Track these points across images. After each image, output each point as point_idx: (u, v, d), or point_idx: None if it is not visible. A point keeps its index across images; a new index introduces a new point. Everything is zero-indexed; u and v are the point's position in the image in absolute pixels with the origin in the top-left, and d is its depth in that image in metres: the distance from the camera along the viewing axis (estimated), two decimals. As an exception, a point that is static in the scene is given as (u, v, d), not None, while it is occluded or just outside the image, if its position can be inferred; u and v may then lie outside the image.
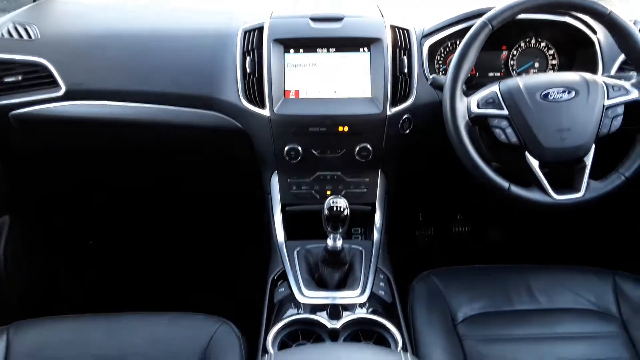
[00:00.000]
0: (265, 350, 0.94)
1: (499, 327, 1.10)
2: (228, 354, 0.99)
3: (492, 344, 1.07)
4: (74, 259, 1.72)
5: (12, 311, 1.36)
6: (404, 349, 0.94)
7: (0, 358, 1.00)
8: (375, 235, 1.23)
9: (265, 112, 1.17)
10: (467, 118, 1.04)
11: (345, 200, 1.01)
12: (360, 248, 1.19)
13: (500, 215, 1.82)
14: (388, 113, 1.16)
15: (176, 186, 1.60)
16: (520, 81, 1.06)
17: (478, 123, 1.07)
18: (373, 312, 1.01)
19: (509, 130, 1.03)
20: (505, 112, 1.03)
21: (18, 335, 1.04)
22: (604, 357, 1.05)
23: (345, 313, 1.00)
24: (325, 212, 1.01)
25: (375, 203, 1.26)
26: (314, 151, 1.20)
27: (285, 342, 0.96)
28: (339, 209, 1.00)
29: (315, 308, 1.02)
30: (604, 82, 1.07)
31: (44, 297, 1.57)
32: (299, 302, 1.04)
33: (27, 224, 1.46)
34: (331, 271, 1.10)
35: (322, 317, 0.99)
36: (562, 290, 1.16)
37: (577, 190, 1.03)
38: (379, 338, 0.97)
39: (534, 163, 1.03)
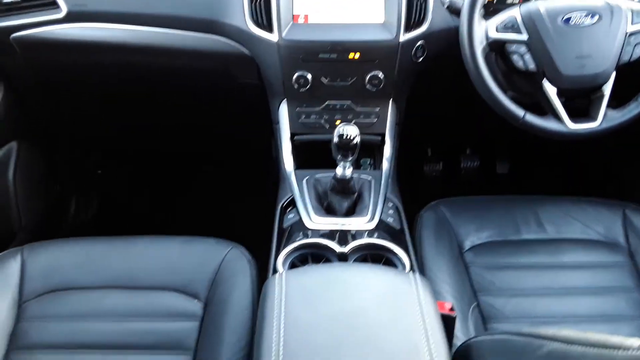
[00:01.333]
0: (275, 271, 0.95)
1: (505, 256, 1.12)
2: (239, 276, 1.02)
3: (497, 271, 1.09)
4: (83, 187, 1.73)
5: (24, 235, 1.38)
6: (412, 271, 0.96)
7: (15, 278, 1.03)
8: (385, 164, 1.22)
9: (273, 37, 1.13)
10: (484, 43, 1.01)
11: (356, 128, 1.00)
12: (370, 178, 1.18)
13: (510, 149, 1.80)
14: (401, 39, 1.12)
15: (184, 115, 1.58)
16: (541, 5, 1.01)
17: (495, 48, 1.03)
18: (381, 238, 1.02)
19: (527, 57, 1.00)
20: (524, 37, 1.00)
21: (32, 257, 1.06)
22: (608, 285, 1.07)
23: (353, 237, 1.01)
24: (335, 139, 1.00)
25: (385, 133, 1.24)
26: (323, 79, 1.17)
27: (295, 264, 0.97)
28: (349, 136, 0.99)
29: (324, 234, 1.03)
30: (628, 7, 1.02)
31: (55, 223, 1.59)
32: (308, 228, 1.05)
33: (34, 151, 1.46)
34: (340, 199, 1.10)
35: (331, 242, 1.00)
36: (570, 221, 1.16)
37: (594, 119, 1.01)
38: (386, 262, 0.98)
39: (551, 91, 1.00)
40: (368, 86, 1.17)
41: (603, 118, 1.01)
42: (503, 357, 0.57)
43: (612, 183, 1.63)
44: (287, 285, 0.74)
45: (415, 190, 1.32)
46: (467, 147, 1.81)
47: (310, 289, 0.73)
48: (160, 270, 1.04)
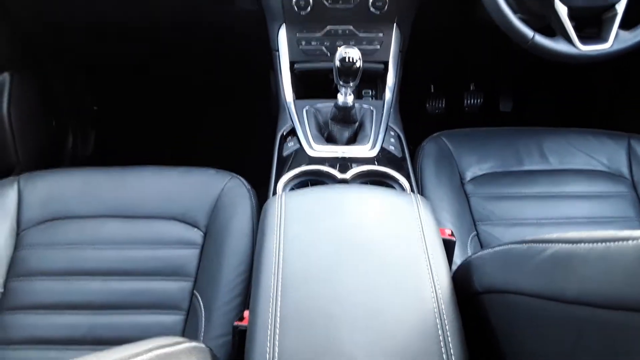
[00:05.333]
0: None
1: (506, 186, 1.10)
2: (239, 204, 1.01)
3: (498, 201, 1.08)
4: (79, 123, 1.70)
5: (21, 170, 1.37)
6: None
7: (12, 207, 1.02)
8: (387, 93, 1.18)
9: None
10: None
11: (358, 51, 0.96)
12: (371, 107, 1.15)
13: (514, 86, 1.76)
14: None
15: (180, 48, 1.53)
16: None
17: (506, -35, 0.98)
18: (383, 166, 1.00)
19: None
20: None
21: (29, 186, 1.05)
22: (610, 215, 1.06)
23: (354, 165, 0.99)
24: (337, 63, 0.96)
25: (388, 61, 1.20)
26: (324, 1, 1.12)
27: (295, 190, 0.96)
28: (351, 59, 0.95)
29: (324, 161, 1.02)
30: None
31: (52, 159, 1.57)
32: (309, 156, 1.03)
33: (28, 83, 1.42)
34: (341, 129, 1.07)
35: (331, 169, 0.98)
36: (574, 151, 1.14)
37: (605, 40, 0.97)
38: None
39: (562, 10, 0.96)
40: (372, 9, 1.12)
41: (615, 39, 0.97)
42: (504, 265, 0.56)
43: (617, 118, 1.60)
44: (287, 203, 0.73)
45: (418, 127, 1.30)
46: (470, 84, 1.77)
47: (310, 206, 0.72)
48: (159, 200, 1.03)
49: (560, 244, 0.46)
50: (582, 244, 0.43)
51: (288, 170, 0.99)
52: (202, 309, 0.89)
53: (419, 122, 1.76)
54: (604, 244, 0.40)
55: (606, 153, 1.14)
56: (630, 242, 0.38)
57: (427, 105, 1.79)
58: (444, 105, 1.78)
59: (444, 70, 1.72)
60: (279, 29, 1.18)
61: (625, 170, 1.12)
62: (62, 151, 1.63)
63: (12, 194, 1.03)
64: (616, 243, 0.39)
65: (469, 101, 1.77)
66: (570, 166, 1.13)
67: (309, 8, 1.11)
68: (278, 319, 0.58)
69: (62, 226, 1.01)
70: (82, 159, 1.69)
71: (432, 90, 1.79)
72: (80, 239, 0.99)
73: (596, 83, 1.61)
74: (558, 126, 1.22)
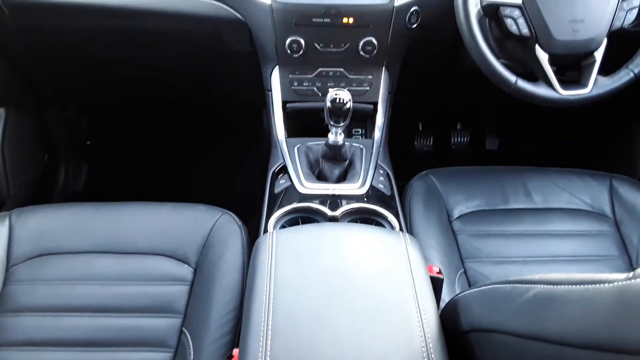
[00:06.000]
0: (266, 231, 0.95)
1: (493, 224, 1.13)
2: (230, 241, 1.02)
3: (485, 239, 1.10)
4: (71, 157, 1.71)
5: (12, 204, 1.37)
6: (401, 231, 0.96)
7: (3, 242, 1.02)
8: (377, 133, 1.22)
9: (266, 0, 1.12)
10: (478, 6, 1.00)
11: (348, 93, 0.99)
12: (361, 146, 1.19)
13: (500, 125, 1.81)
14: (396, 4, 1.12)
15: (174, 85, 1.56)
16: None
17: (489, 13, 1.03)
18: (372, 203, 1.02)
19: (521, 21, 0.99)
20: (518, 1, 0.99)
21: (20, 221, 1.05)
22: (593, 253, 1.08)
23: (344, 202, 1.01)
24: (328, 104, 0.99)
25: (377, 102, 1.24)
26: (316, 45, 1.16)
27: (286, 227, 0.97)
28: (341, 101, 0.98)
29: (315, 199, 1.03)
30: None
31: (43, 194, 1.58)
32: (300, 193, 1.05)
33: (23, 119, 1.44)
34: (331, 167, 1.10)
35: (322, 207, 1.00)
36: (558, 190, 1.17)
37: (584, 85, 1.02)
38: (376, 226, 0.99)
39: (543, 57, 1.00)
40: (361, 52, 1.16)
41: (594, 84, 1.02)
42: (489, 305, 0.57)
43: (599, 158, 1.65)
44: (278, 241, 0.74)
45: (406, 165, 1.33)
46: (457, 122, 1.81)
47: (300, 245, 0.74)
48: (149, 236, 1.04)
49: (541, 285, 0.48)
50: (562, 286, 0.45)
51: (279, 207, 1.01)
52: (191, 346, 0.88)
53: (407, 160, 1.79)
54: (582, 286, 0.42)
55: (589, 193, 1.17)
56: (606, 285, 0.40)
57: (416, 143, 1.83)
58: (431, 143, 1.83)
59: (432, 109, 1.77)
60: (272, 70, 1.22)
61: (607, 209, 1.15)
62: (54, 186, 1.64)
63: (2, 229, 1.03)
64: (594, 286, 0.41)
65: (456, 139, 1.81)
66: (554, 205, 1.16)
67: (301, 51, 1.15)
68: (268, 358, 0.58)
69: (52, 262, 1.01)
70: (73, 193, 1.69)
71: (420, 129, 1.83)
72: (70, 274, 0.99)
73: (580, 124, 1.66)
74: (543, 165, 1.25)
